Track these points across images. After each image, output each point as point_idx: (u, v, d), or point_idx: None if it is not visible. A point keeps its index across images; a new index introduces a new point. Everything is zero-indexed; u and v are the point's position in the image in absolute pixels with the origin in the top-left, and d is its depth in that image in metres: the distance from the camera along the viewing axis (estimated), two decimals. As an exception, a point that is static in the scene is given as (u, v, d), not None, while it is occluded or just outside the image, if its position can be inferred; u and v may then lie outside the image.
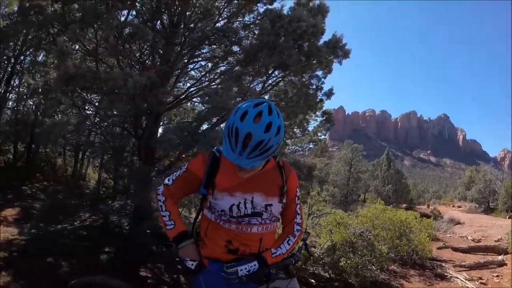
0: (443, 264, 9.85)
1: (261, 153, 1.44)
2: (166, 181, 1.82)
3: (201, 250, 1.76)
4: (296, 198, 1.83)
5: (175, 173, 1.82)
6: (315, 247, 3.68)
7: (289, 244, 1.79)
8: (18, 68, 11.33)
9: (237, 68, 4.87)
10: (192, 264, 1.67)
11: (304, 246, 2.10)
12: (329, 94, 5.72)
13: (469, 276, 8.67)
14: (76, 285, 2.12)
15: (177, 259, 1.89)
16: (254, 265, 1.65)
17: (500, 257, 10.17)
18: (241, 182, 1.64)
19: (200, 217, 1.84)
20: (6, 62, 11.32)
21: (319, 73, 5.43)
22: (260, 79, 5.34)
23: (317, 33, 4.57)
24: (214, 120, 4.85)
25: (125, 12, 5.26)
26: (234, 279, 1.62)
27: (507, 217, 22.73)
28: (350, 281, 6.34)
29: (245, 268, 1.63)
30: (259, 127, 1.41)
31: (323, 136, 7.29)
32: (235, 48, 5.29)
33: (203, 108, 5.76)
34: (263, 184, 1.68)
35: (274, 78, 5.47)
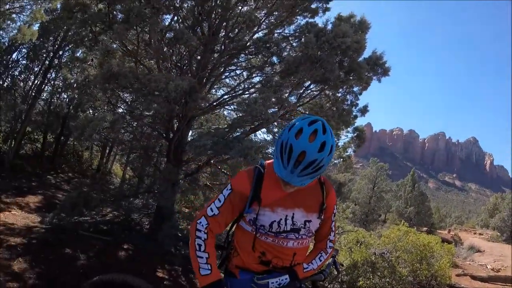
0: (461, 292, 9.48)
1: (313, 171, 1.43)
2: (209, 212, 1.64)
3: (232, 258, 1.74)
4: (333, 215, 1.80)
5: (215, 202, 1.66)
6: (343, 265, 3.58)
7: (320, 260, 1.77)
8: (56, 62, 11.76)
9: (276, 78, 4.89)
10: None
11: (333, 263, 2.07)
12: (364, 111, 5.66)
13: (487, 305, 8.32)
14: (93, 285, 2.06)
15: None
16: (286, 278, 1.64)
17: (518, 289, 9.73)
18: (283, 197, 1.61)
19: (235, 226, 1.80)
20: (45, 55, 11.80)
21: (356, 89, 5.41)
22: (296, 91, 5.35)
23: (360, 49, 4.56)
24: (248, 128, 4.88)
25: (168, 16, 5.42)
26: None
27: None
28: (367, 301, 6.17)
29: (276, 281, 1.61)
30: (314, 146, 1.40)
31: (350, 152, 7.19)
32: (274, 59, 5.33)
33: (235, 116, 5.80)
34: (305, 200, 1.65)
35: (309, 91, 5.47)
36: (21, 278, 3.83)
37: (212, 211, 1.63)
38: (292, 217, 1.61)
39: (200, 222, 1.62)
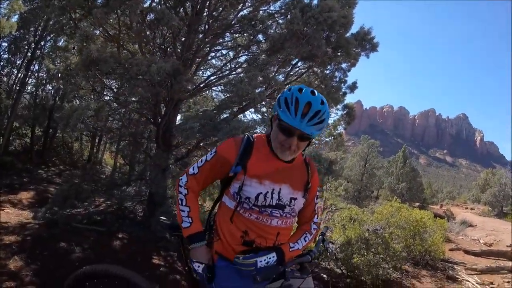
0: (455, 266, 9.70)
1: (318, 122, 1.51)
2: (190, 170, 1.72)
3: (213, 243, 1.71)
4: (316, 197, 1.85)
5: (198, 162, 1.73)
6: (333, 243, 3.58)
7: (305, 241, 1.78)
8: (38, 53, 11.42)
9: (262, 57, 4.78)
10: (198, 266, 1.62)
11: (322, 241, 2.05)
12: (353, 87, 5.60)
13: (480, 280, 8.54)
14: (76, 278, 2.07)
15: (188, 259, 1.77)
16: (273, 256, 1.60)
17: (511, 263, 9.99)
18: (271, 171, 1.61)
19: (217, 206, 1.80)
20: (26, 47, 11.45)
21: (344, 65, 5.32)
22: (283, 69, 5.25)
23: (347, 24, 4.47)
24: (235, 109, 4.79)
25: (148, -3, 5.22)
26: (251, 271, 1.54)
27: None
28: (362, 278, 6.26)
29: (264, 260, 1.57)
30: (317, 98, 1.51)
31: (341, 130, 7.17)
32: (260, 37, 5.20)
33: (223, 97, 5.70)
34: (291, 177, 1.67)
35: (297, 69, 5.38)
36: (17, 276, 3.80)
37: (193, 170, 1.72)
38: (279, 192, 1.62)
39: (182, 179, 1.73)
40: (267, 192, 1.60)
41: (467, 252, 11.87)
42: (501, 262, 10.48)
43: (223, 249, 1.66)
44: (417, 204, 27.29)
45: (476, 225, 19.01)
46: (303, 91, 1.51)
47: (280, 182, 1.63)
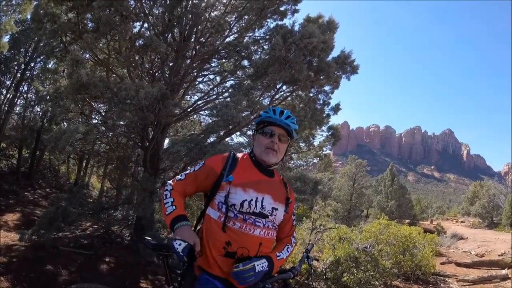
0: (447, 279, 9.75)
1: (292, 122, 1.84)
2: (177, 177, 1.86)
3: (197, 260, 1.73)
4: (293, 215, 1.99)
5: (183, 172, 1.89)
6: (318, 260, 3.62)
7: (288, 251, 1.88)
8: (28, 74, 11.44)
9: (246, 82, 4.92)
10: (180, 244, 1.54)
11: (306, 259, 2.11)
12: (336, 109, 5.77)
13: (473, 290, 8.58)
14: None
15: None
16: (264, 262, 1.66)
17: (504, 271, 10.07)
18: (254, 181, 1.76)
19: (201, 223, 1.86)
20: (16, 68, 11.46)
21: (327, 88, 5.50)
22: (268, 93, 5.40)
23: (327, 49, 4.65)
24: (222, 133, 4.88)
25: (137, 24, 5.37)
26: (249, 277, 1.57)
27: (511, 232, 22.47)
28: (353, 296, 6.25)
29: (260, 264, 1.63)
30: (287, 111, 1.87)
31: (327, 151, 7.30)
32: (245, 63, 5.36)
33: (210, 121, 5.79)
34: (272, 189, 1.82)
35: (282, 93, 5.53)
36: (3, 297, 3.75)
37: (180, 176, 1.86)
38: (262, 201, 1.75)
39: (167, 184, 1.85)
40: (251, 199, 1.71)
41: (458, 264, 11.93)
42: (493, 271, 10.54)
43: (205, 263, 1.71)
44: (407, 221, 27.35)
45: (467, 238, 19.11)
46: (276, 107, 1.90)
47: (263, 192, 1.76)
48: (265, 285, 1.64)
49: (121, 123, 5.71)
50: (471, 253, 14.59)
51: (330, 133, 6.06)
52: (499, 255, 12.98)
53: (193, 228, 1.88)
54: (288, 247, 1.89)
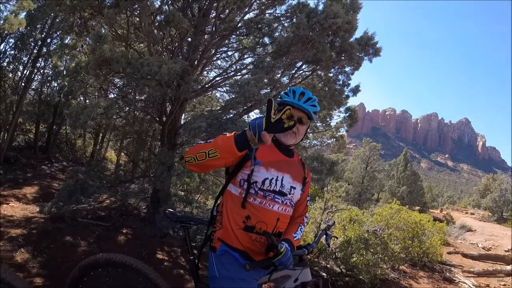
0: (452, 269, 9.82)
1: (312, 105, 1.87)
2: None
3: (216, 232, 1.85)
4: (308, 196, 2.08)
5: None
6: (337, 238, 3.69)
7: (301, 232, 1.97)
8: (45, 50, 11.54)
9: (268, 59, 4.90)
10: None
11: (325, 236, 2.19)
12: (356, 91, 5.72)
13: (477, 283, 8.65)
14: (81, 268, 2.16)
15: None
16: (287, 245, 1.74)
17: (509, 267, 10.10)
18: (275, 161, 1.84)
19: (221, 198, 1.94)
20: (33, 44, 11.56)
21: (347, 69, 5.44)
22: (288, 72, 5.37)
23: (351, 30, 4.58)
24: (241, 110, 4.91)
25: (158, -1, 5.35)
26: (288, 259, 1.66)
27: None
28: (360, 277, 6.36)
29: (285, 246, 1.70)
30: (308, 91, 1.90)
31: (343, 132, 7.27)
32: (266, 40, 5.32)
33: (228, 97, 5.81)
34: (291, 169, 1.90)
35: (302, 72, 5.50)
36: (24, 268, 3.89)
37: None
38: (282, 180, 1.83)
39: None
40: (272, 178, 1.79)
41: (465, 255, 11.96)
42: (498, 266, 10.59)
43: (225, 235, 1.80)
44: (417, 208, 27.27)
45: (475, 230, 19.03)
46: (297, 88, 1.91)
47: (283, 171, 1.84)
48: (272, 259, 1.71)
49: (140, 98, 5.78)
50: (478, 246, 14.58)
51: (347, 114, 6.02)
52: (505, 251, 12.94)
53: (214, 203, 2.00)
54: (301, 227, 1.97)
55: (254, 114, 5.46)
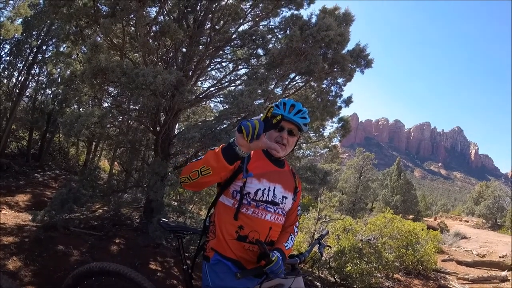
0: (447, 276, 9.85)
1: (302, 117, 1.89)
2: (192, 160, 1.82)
3: (209, 242, 1.86)
4: (299, 206, 2.10)
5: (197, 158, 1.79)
6: (331, 247, 3.71)
7: (292, 241, 1.98)
8: (40, 57, 11.53)
9: (262, 70, 4.96)
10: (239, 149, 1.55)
11: (318, 245, 2.22)
12: (348, 102, 5.81)
13: (472, 289, 8.68)
14: (74, 277, 2.15)
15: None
16: (276, 252, 1.75)
17: (503, 273, 10.15)
18: (267, 172, 1.86)
19: (213, 209, 1.96)
20: (28, 51, 11.55)
21: (340, 80, 5.53)
22: (281, 83, 5.44)
23: (343, 42, 4.67)
24: (234, 120, 4.95)
25: (153, 9, 5.41)
26: (279, 268, 1.68)
27: (513, 235, 22.42)
28: (355, 286, 6.37)
29: (276, 254, 1.72)
30: (298, 104, 1.92)
31: (336, 142, 7.34)
32: (259, 51, 5.39)
33: (222, 108, 5.84)
34: (282, 179, 1.93)
35: (295, 83, 5.57)
36: (17, 276, 3.84)
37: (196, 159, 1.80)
38: (274, 190, 1.85)
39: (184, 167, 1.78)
40: (265, 188, 1.82)
41: (459, 262, 12.01)
42: (493, 272, 10.63)
43: (218, 244, 1.82)
44: (411, 216, 27.38)
45: (470, 237, 19.09)
46: (287, 100, 1.93)
47: (275, 182, 1.87)
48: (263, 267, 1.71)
49: (134, 107, 5.80)
50: (472, 253, 14.65)
51: (340, 124, 6.10)
52: (500, 257, 13.00)
53: (207, 213, 2.03)
54: (292, 237, 1.99)
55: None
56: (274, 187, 1.86)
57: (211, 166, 1.63)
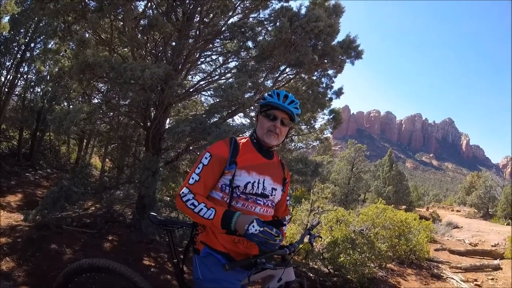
0: (440, 265, 9.98)
1: (295, 107, 1.89)
2: (190, 181, 1.79)
3: (199, 235, 1.87)
4: (288, 196, 2.16)
5: (195, 171, 1.81)
6: (321, 238, 3.74)
7: (283, 229, 2.00)
8: (28, 55, 11.34)
9: (251, 63, 4.94)
10: (253, 227, 1.61)
11: (308, 235, 2.23)
12: (339, 93, 5.82)
13: (465, 278, 8.80)
14: (65, 275, 2.16)
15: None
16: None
17: (496, 261, 10.31)
18: (256, 165, 1.88)
19: None
20: (16, 48, 11.35)
21: (330, 72, 5.53)
22: (271, 75, 5.43)
23: (333, 33, 4.67)
24: (225, 114, 4.93)
25: (141, 3, 5.35)
26: (275, 244, 1.62)
27: (506, 224, 22.83)
28: (348, 276, 6.42)
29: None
30: (291, 95, 1.93)
31: (327, 134, 7.36)
32: (249, 44, 5.36)
33: (212, 101, 5.82)
34: (271, 171, 1.95)
35: (285, 75, 5.56)
36: (10, 277, 3.82)
37: (193, 178, 1.80)
38: (263, 182, 1.86)
39: (183, 192, 1.76)
40: (254, 181, 1.83)
41: (452, 252, 12.15)
42: (485, 260, 10.78)
43: (207, 238, 1.83)
44: (404, 207, 27.64)
45: (462, 227, 19.32)
46: (280, 91, 1.93)
47: (264, 174, 1.88)
48: (256, 259, 1.72)
49: (124, 103, 5.74)
50: (465, 242, 14.82)
51: (331, 116, 6.12)
52: (492, 246, 13.18)
53: None
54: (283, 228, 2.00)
55: (238, 118, 5.49)
56: (264, 180, 1.87)
57: (204, 224, 1.77)
